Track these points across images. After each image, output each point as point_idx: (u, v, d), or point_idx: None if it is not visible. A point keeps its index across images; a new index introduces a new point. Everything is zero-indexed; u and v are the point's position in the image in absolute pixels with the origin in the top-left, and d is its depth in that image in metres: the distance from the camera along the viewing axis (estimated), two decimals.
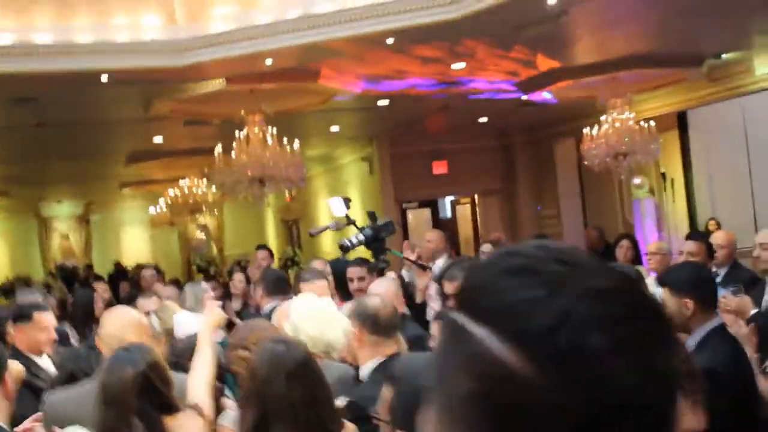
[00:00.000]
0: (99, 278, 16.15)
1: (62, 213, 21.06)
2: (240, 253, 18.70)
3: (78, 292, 7.19)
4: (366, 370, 3.38)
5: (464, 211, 16.74)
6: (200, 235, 20.89)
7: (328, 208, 17.15)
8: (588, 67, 10.24)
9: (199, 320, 5.05)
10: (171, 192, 15.37)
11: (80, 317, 5.60)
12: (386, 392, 1.97)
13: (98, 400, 2.75)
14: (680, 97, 12.11)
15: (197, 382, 3.02)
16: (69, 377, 3.66)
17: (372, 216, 5.47)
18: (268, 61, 8.33)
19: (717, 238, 6.29)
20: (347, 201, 5.65)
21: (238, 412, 2.76)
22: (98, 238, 21.38)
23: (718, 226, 10.42)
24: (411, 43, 8.06)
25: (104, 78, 8.39)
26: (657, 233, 12.71)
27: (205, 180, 15.30)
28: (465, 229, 16.29)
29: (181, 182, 15.26)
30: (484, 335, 0.72)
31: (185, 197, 15.00)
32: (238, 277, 8.81)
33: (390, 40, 7.88)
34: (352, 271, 5.77)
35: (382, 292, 4.85)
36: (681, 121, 12.61)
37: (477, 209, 16.15)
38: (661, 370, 0.73)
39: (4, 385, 2.78)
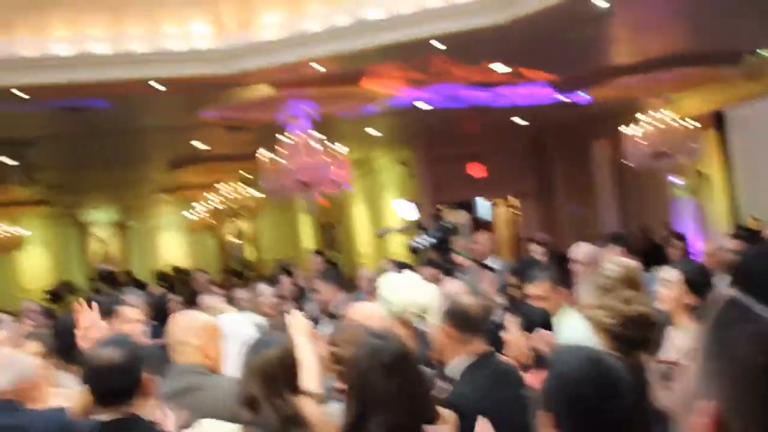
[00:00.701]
0: (139, 283, 16.45)
1: (101, 219, 21.37)
2: (276, 257, 18.93)
3: (151, 295, 7.38)
4: (455, 367, 3.41)
5: (503, 212, 16.80)
6: (236, 239, 21.13)
7: (368, 211, 17.36)
8: (627, 67, 10.30)
9: (247, 321, 5.21)
10: (210, 197, 15.55)
11: (155, 317, 5.76)
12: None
13: (245, 377, 2.89)
14: (718, 96, 12.10)
15: (307, 373, 3.13)
16: None
17: (439, 219, 5.59)
18: (316, 68, 8.48)
19: None
20: (416, 204, 5.77)
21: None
22: (136, 243, 21.66)
23: (759, 223, 10.42)
24: (457, 47, 8.16)
25: (154, 85, 8.59)
26: (697, 232, 12.71)
27: (244, 184, 15.50)
28: (503, 230, 16.35)
29: (220, 187, 15.43)
30: None
31: (224, 202, 15.19)
32: (286, 281, 8.86)
33: (437, 44, 7.99)
34: (424, 273, 5.90)
35: (457, 291, 4.98)
36: (718, 119, 12.60)
37: (514, 210, 16.20)
38: None
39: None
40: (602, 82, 10.74)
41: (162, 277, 19.12)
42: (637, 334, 3.17)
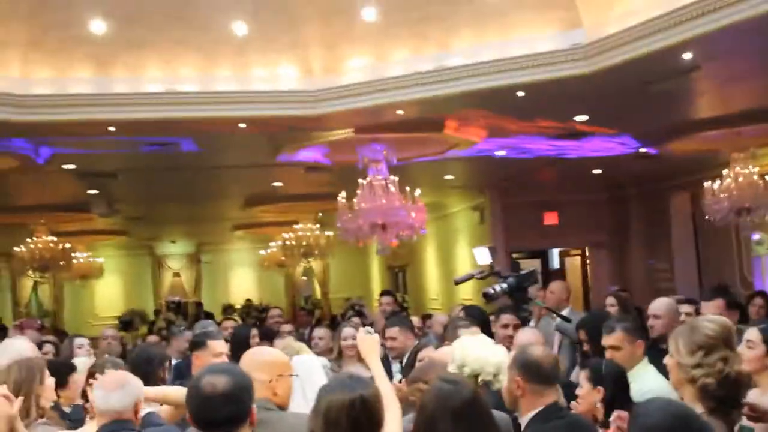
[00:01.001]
0: (208, 314, 16.72)
1: (175, 252, 21.87)
2: (344, 296, 19.06)
3: (238, 329, 7.53)
4: (527, 419, 3.42)
5: (573, 262, 16.62)
6: (305, 278, 21.35)
7: (439, 255, 17.35)
8: (711, 120, 10.16)
9: (317, 362, 5.22)
10: (285, 235, 15.80)
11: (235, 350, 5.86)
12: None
13: (327, 420, 2.83)
14: None
15: (390, 415, 3.14)
16: None
17: (515, 266, 5.57)
18: (399, 113, 8.59)
19: None
20: (492, 250, 5.78)
21: None
22: (208, 277, 22.07)
23: None
24: (539, 97, 8.19)
25: (242, 125, 8.82)
26: None
27: (318, 224, 15.69)
28: (573, 280, 16.14)
29: (296, 226, 15.67)
30: None
31: (298, 240, 15.40)
32: (356, 321, 8.88)
33: (520, 94, 8.03)
34: (506, 318, 5.88)
35: (531, 340, 4.95)
36: None
37: (587, 261, 16.02)
38: None
39: None
40: (685, 135, 10.61)
41: (229, 310, 19.42)
42: (734, 393, 3.17)
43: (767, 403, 3.53)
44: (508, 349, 5.80)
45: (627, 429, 2.04)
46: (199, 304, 20.73)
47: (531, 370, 3.42)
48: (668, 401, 2.17)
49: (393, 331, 6.23)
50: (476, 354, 3.11)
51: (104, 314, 20.34)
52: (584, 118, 9.48)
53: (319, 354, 6.81)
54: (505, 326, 5.87)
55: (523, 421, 3.44)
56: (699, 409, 3.00)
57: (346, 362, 6.21)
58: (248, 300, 19.39)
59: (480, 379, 3.09)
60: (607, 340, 4.43)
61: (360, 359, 5.74)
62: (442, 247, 17.49)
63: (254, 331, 7.15)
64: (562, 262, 17.29)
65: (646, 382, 4.30)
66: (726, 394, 3.10)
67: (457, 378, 3.00)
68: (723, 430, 2.98)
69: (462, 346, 3.13)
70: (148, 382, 4.18)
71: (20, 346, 4.34)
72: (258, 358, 3.69)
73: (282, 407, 3.62)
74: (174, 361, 6.47)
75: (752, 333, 3.84)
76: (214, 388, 2.60)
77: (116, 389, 3.23)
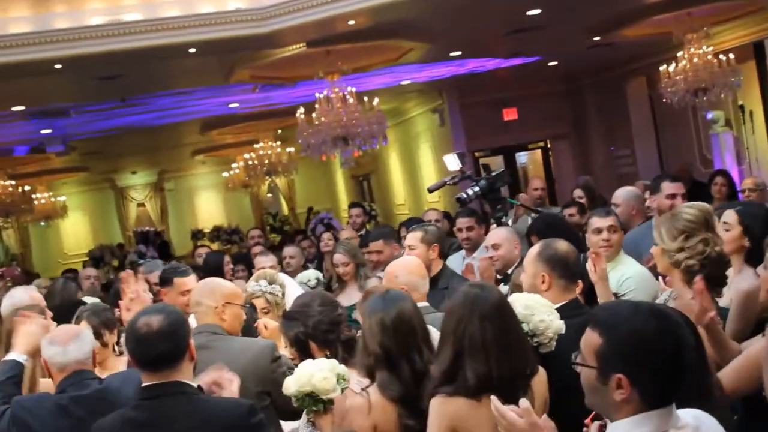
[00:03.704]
0: (164, 243, 16.63)
1: (137, 182, 21.63)
2: (312, 210, 19.09)
3: (209, 256, 7.48)
4: None
5: (535, 156, 16.71)
6: (270, 195, 21.29)
7: (402, 161, 17.34)
8: (662, 4, 10.11)
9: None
10: (246, 155, 15.66)
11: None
12: (591, 338, 2.07)
13: (375, 332, 3.03)
14: (757, 27, 11.85)
15: None
16: None
17: (486, 168, 5.59)
18: (350, 23, 8.45)
19: None
20: (462, 156, 5.78)
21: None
22: (173, 204, 21.92)
23: None
24: None
25: (191, 50, 8.62)
26: (737, 167, 12.58)
27: (278, 142, 15.56)
28: (536, 174, 16.27)
29: (256, 145, 15.53)
30: None
31: (260, 159, 15.28)
32: (327, 236, 8.81)
33: None
34: (461, 222, 5.93)
35: (504, 239, 5.02)
36: (758, 51, 12.34)
37: (549, 154, 16.12)
38: None
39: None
40: (636, 21, 10.56)
41: (198, 235, 19.39)
42: (717, 272, 3.30)
43: (740, 282, 3.66)
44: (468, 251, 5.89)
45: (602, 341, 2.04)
46: (158, 233, 20.62)
47: (558, 265, 3.47)
48: (629, 303, 2.19)
49: (378, 245, 6.11)
50: (541, 317, 3.12)
51: (73, 252, 20.24)
52: (537, 11, 9.39)
53: (291, 273, 6.79)
54: (459, 230, 5.93)
55: None
56: (688, 293, 3.14)
57: (346, 286, 5.95)
58: (216, 226, 19.32)
59: (535, 341, 3.11)
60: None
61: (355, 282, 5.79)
62: (405, 152, 17.48)
63: (227, 258, 7.13)
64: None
65: (624, 269, 4.43)
66: (709, 273, 3.21)
67: (483, 282, 3.10)
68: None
69: (525, 305, 3.13)
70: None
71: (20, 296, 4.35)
72: (206, 287, 3.87)
73: (231, 334, 3.74)
74: None
75: (728, 215, 3.96)
76: (149, 328, 2.69)
77: (71, 340, 3.18)
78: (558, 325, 3.14)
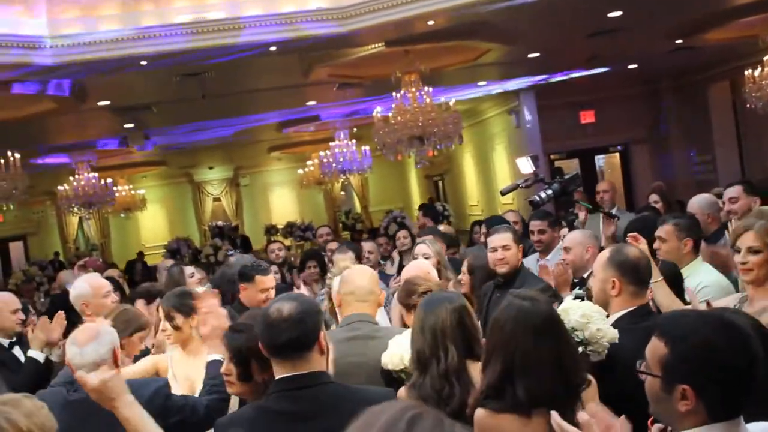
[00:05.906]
0: (245, 238, 16.90)
1: (214, 177, 22.05)
2: (385, 209, 19.16)
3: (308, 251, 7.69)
4: (615, 317, 3.39)
5: (612, 161, 16.47)
6: (343, 193, 21.45)
7: (476, 162, 17.28)
8: (749, 6, 9.86)
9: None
10: (321, 153, 15.82)
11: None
12: (657, 347, 2.04)
13: (418, 329, 3.08)
14: None
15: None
16: None
17: (559, 171, 5.56)
18: (430, 23, 8.47)
19: None
20: (535, 159, 5.76)
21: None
22: (248, 199, 22.29)
23: None
24: None
25: (272, 48, 8.76)
26: None
27: (354, 140, 15.68)
28: (613, 178, 16.05)
29: (332, 144, 15.68)
30: None
31: (335, 157, 15.42)
32: (403, 234, 8.78)
33: None
34: (534, 224, 5.92)
35: (576, 242, 4.99)
36: None
37: (627, 158, 15.87)
38: None
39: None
40: (721, 24, 10.33)
41: (272, 230, 19.60)
42: None
43: None
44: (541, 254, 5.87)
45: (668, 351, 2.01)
46: (234, 228, 20.89)
47: (628, 270, 3.42)
48: (698, 313, 2.16)
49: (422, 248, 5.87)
50: (598, 326, 3.09)
51: (150, 243, 20.75)
52: (618, 14, 9.27)
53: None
54: (531, 233, 5.92)
55: (611, 318, 3.39)
56: None
57: None
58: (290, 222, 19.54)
59: (589, 349, 3.08)
60: (658, 231, 4.48)
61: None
62: (479, 153, 17.42)
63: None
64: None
65: (701, 277, 4.35)
66: None
67: (531, 293, 2.93)
68: None
69: (581, 314, 3.10)
70: (225, 300, 4.62)
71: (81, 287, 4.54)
72: (372, 275, 3.84)
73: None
74: None
75: None
76: (279, 314, 2.66)
77: (88, 342, 3.06)
78: (612, 334, 3.10)
